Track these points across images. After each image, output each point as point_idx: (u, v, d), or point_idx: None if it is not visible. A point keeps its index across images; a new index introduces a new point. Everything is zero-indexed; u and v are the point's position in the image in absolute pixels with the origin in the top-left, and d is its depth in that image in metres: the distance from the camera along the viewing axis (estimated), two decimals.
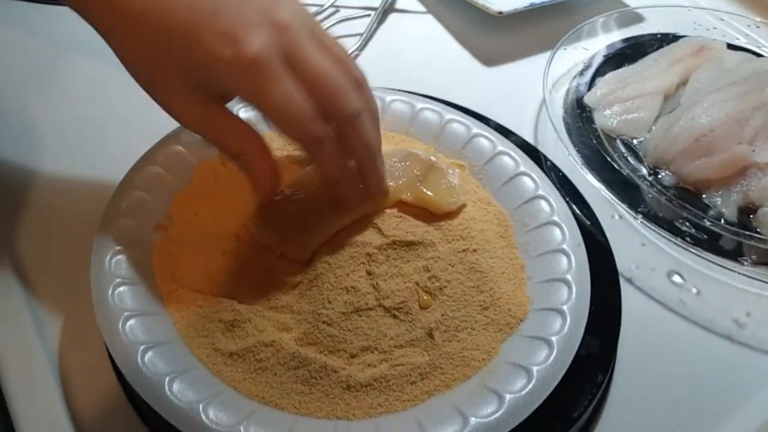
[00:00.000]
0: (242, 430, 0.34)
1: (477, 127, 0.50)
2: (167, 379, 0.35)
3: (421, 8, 0.72)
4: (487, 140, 0.49)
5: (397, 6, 0.72)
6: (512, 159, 0.48)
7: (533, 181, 0.47)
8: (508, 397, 0.36)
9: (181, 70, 0.35)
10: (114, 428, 0.39)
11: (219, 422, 0.34)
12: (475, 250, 0.43)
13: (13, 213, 0.49)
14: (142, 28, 0.35)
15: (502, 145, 0.49)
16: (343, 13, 0.69)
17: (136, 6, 0.35)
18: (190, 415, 0.34)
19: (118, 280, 0.39)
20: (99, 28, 0.37)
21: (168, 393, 0.34)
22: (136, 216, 0.42)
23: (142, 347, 0.36)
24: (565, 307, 0.40)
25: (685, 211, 0.49)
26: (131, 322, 0.37)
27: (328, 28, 0.66)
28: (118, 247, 0.40)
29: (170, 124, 0.47)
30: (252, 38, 0.34)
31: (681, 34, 0.65)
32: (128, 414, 0.38)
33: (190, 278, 0.40)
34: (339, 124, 0.37)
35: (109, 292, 0.38)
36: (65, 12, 0.38)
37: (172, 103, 0.37)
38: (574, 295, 0.40)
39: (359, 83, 0.38)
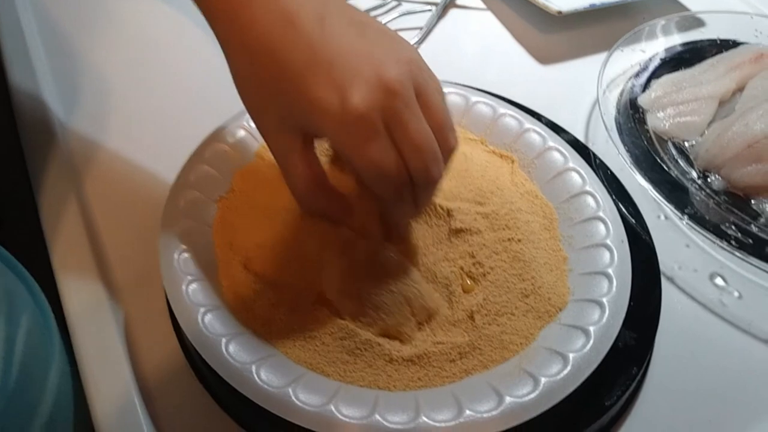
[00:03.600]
0: (290, 391, 0.36)
1: (528, 122, 0.51)
2: (224, 340, 0.38)
3: (481, 5, 0.73)
4: (537, 135, 0.51)
5: (458, 2, 0.73)
6: (561, 154, 0.49)
7: (581, 176, 0.48)
8: (543, 380, 0.37)
9: (283, 107, 0.36)
10: (174, 387, 0.42)
11: (270, 383, 0.36)
12: (519, 240, 0.44)
13: (84, 177, 0.52)
14: (255, 57, 0.36)
15: (552, 140, 0.50)
16: (405, 7, 0.71)
17: (257, 32, 0.35)
18: (244, 374, 0.36)
19: (183, 246, 0.42)
20: (217, 35, 0.38)
21: (224, 353, 0.37)
22: (201, 188, 0.45)
23: (202, 309, 0.39)
24: (604, 299, 0.41)
25: (732, 215, 0.49)
26: (193, 286, 0.40)
27: (389, 22, 0.68)
28: (184, 216, 0.43)
29: (239, 105, 0.50)
30: (360, 95, 0.34)
31: (741, 40, 0.64)
32: (187, 373, 0.42)
33: (245, 248, 0.43)
34: (415, 182, 0.37)
35: (175, 257, 0.41)
36: None
37: (266, 130, 0.38)
38: (614, 289, 0.42)
39: (449, 151, 0.38)
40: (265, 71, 0.36)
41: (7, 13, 0.65)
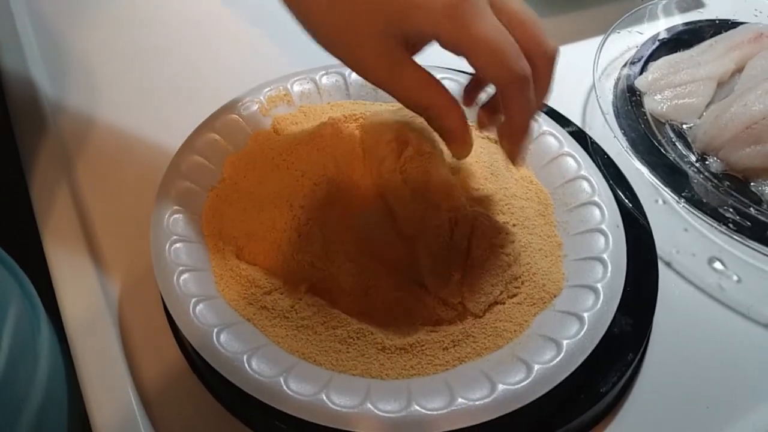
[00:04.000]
0: (282, 381, 0.36)
1: None
2: (215, 330, 0.37)
3: None
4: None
5: None
6: (556, 139, 0.49)
7: (576, 161, 0.47)
8: (536, 367, 0.37)
9: (379, 23, 0.35)
10: (169, 379, 0.41)
11: (261, 373, 0.36)
12: (514, 226, 0.44)
13: (76, 166, 0.52)
14: None
15: (547, 125, 0.50)
16: None
17: None
18: (235, 364, 0.36)
19: (174, 237, 0.41)
20: None
21: (215, 343, 0.37)
22: (193, 178, 0.45)
23: (194, 300, 0.39)
24: (599, 285, 0.41)
25: (730, 198, 0.49)
26: (185, 276, 0.40)
27: None
28: (175, 207, 0.43)
29: (231, 93, 0.50)
30: None
31: (740, 20, 0.63)
32: (182, 365, 0.42)
33: (235, 237, 0.43)
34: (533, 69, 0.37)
35: (166, 248, 0.41)
36: None
37: (362, 56, 0.37)
38: (609, 274, 0.41)
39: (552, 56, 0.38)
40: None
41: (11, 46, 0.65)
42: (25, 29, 0.63)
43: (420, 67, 0.37)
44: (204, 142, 0.47)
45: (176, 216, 0.43)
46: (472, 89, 0.42)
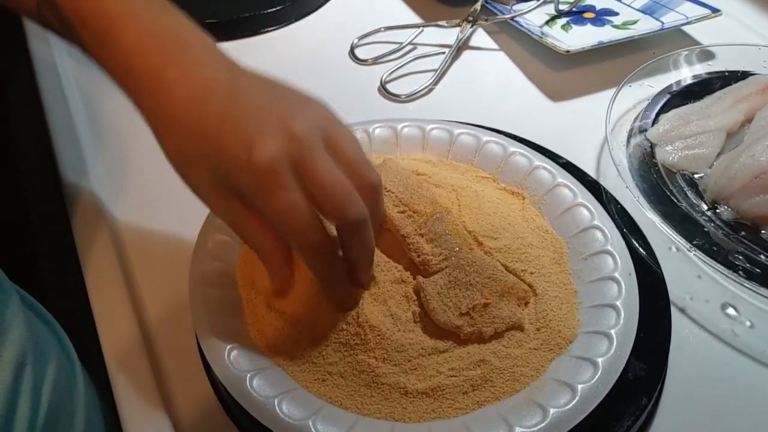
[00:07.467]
0: (310, 424, 0.38)
1: (538, 160, 0.53)
2: (248, 376, 0.40)
3: (494, 46, 0.76)
4: (547, 172, 0.53)
5: (471, 44, 0.76)
6: (570, 190, 0.51)
7: (589, 211, 0.50)
8: (551, 410, 0.39)
9: (208, 170, 0.37)
10: (205, 422, 0.44)
11: (291, 416, 0.38)
12: (531, 273, 0.46)
13: (119, 225, 0.56)
14: (176, 130, 0.37)
15: (561, 177, 0.52)
16: (420, 50, 0.74)
17: (174, 108, 0.37)
18: (267, 407, 0.39)
19: (210, 287, 0.44)
20: (145, 115, 0.39)
21: (249, 387, 0.40)
22: (228, 231, 0.48)
23: (228, 347, 0.41)
24: (612, 331, 0.42)
25: (742, 245, 0.50)
26: (220, 324, 0.43)
27: (404, 65, 0.72)
28: (212, 258, 0.46)
29: None
30: (265, 146, 0.35)
31: (750, 72, 0.66)
32: (216, 408, 0.44)
33: (265, 287, 0.45)
34: (340, 229, 0.39)
35: (203, 298, 0.44)
36: None
37: (201, 194, 0.39)
38: (622, 321, 0.43)
39: (372, 188, 0.39)
40: (186, 141, 0.37)
41: (57, 101, 0.69)
42: (77, 105, 0.67)
43: (251, 212, 0.38)
44: None
45: (213, 267, 0.46)
46: None
